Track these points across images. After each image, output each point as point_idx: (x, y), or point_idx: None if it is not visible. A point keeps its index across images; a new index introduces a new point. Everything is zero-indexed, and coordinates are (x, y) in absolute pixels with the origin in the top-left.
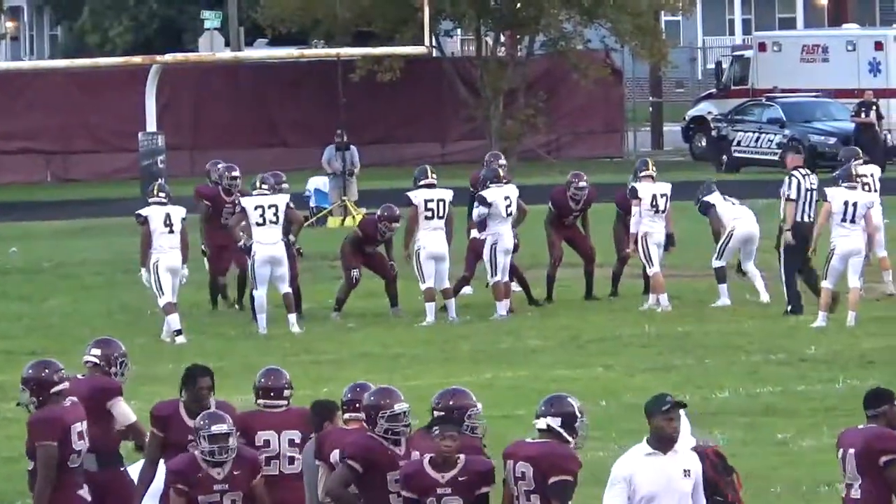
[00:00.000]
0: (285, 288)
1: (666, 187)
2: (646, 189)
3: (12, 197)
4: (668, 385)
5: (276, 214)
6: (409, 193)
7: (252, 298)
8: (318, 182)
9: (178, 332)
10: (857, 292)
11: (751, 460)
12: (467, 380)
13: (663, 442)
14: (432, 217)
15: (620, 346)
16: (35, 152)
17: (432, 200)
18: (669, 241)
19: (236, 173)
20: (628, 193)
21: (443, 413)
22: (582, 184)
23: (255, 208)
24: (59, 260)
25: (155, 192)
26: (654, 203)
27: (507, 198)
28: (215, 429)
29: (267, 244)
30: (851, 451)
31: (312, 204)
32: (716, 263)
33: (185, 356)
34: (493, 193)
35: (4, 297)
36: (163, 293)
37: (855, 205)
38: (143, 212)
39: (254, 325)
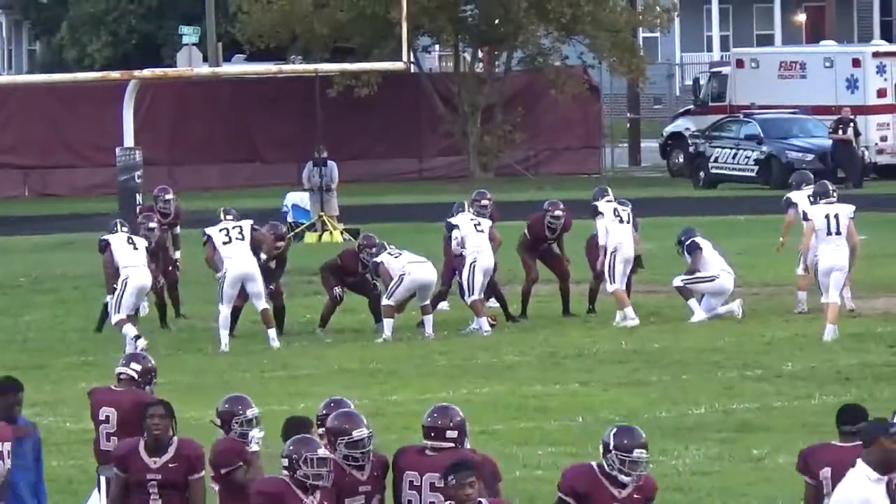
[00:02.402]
0: (262, 304)
1: (626, 205)
2: (607, 206)
3: None
4: (644, 401)
5: (241, 233)
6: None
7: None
8: (295, 197)
9: (138, 337)
10: (836, 307)
11: (726, 476)
12: (444, 395)
13: (888, 465)
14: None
15: (597, 362)
16: (13, 167)
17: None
18: (637, 262)
19: (169, 196)
20: (592, 210)
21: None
22: (558, 212)
23: (220, 231)
24: (36, 274)
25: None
26: (616, 214)
27: (477, 223)
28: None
29: (237, 258)
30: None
31: (290, 219)
32: (677, 283)
33: (163, 371)
34: (459, 218)
35: None
36: (119, 311)
37: (837, 216)
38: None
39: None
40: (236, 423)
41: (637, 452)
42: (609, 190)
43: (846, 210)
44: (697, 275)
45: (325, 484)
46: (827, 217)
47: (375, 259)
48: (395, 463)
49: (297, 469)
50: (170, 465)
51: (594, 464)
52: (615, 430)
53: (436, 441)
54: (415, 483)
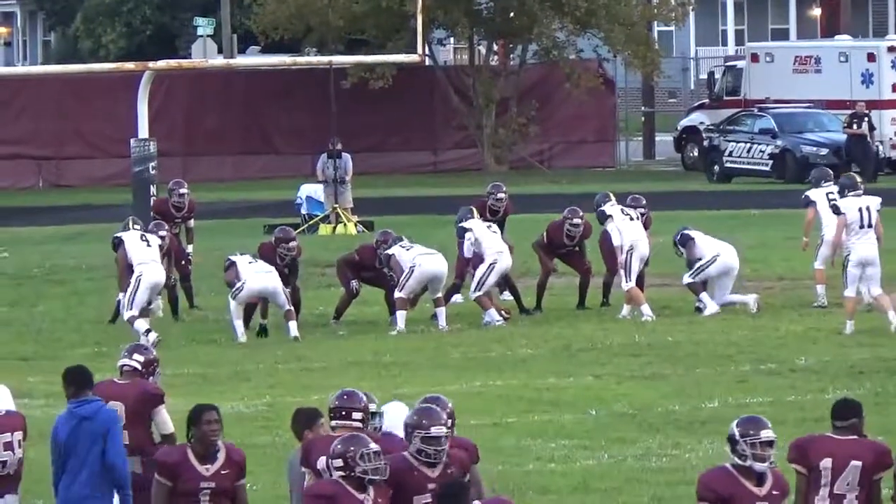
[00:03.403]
0: (286, 307)
1: (639, 201)
2: (613, 208)
3: (4, 202)
4: (657, 394)
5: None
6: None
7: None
8: (309, 189)
9: (149, 331)
10: (886, 297)
11: None
12: (456, 388)
13: None
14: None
15: (611, 356)
16: (27, 158)
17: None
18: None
19: (184, 190)
20: (598, 216)
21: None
22: (577, 220)
23: (242, 255)
24: (50, 265)
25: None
26: (625, 213)
27: (489, 225)
28: (435, 430)
29: (257, 276)
30: (858, 463)
31: (304, 211)
32: (687, 280)
33: (177, 363)
34: (472, 222)
35: None
36: (132, 307)
37: (868, 209)
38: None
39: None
40: (416, 436)
41: (765, 433)
42: (611, 195)
43: (875, 202)
44: (699, 263)
45: (383, 477)
46: (860, 210)
47: (387, 251)
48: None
49: (355, 466)
50: (222, 472)
51: (728, 465)
52: (737, 421)
53: (344, 420)
54: None
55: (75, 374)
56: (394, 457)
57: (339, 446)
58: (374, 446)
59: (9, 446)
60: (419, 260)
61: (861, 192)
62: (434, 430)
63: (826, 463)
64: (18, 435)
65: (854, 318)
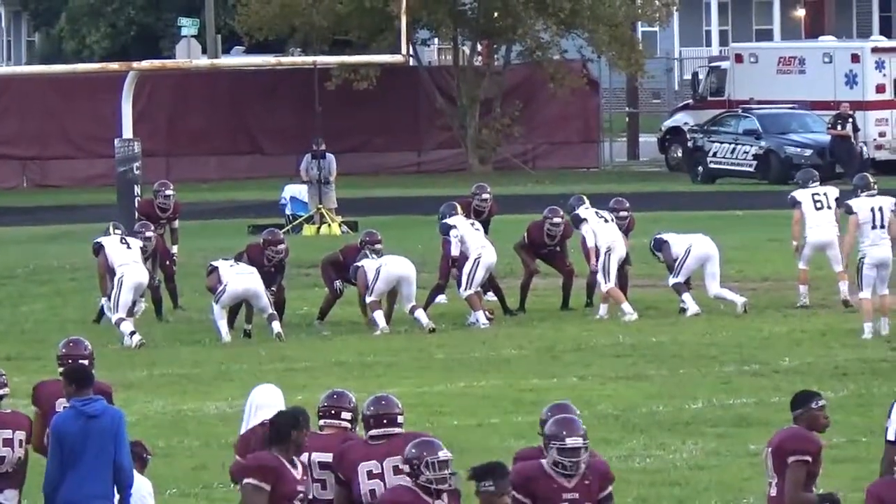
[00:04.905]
0: (268, 311)
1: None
2: (587, 212)
3: None
4: (642, 395)
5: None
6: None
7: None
8: (294, 190)
9: (133, 333)
10: (888, 298)
11: (723, 471)
12: (441, 388)
13: None
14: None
15: (595, 356)
16: (11, 158)
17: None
18: (626, 259)
19: (169, 192)
20: (572, 220)
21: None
22: (557, 220)
23: (225, 260)
24: (34, 266)
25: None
26: (599, 216)
27: (472, 222)
28: (571, 442)
29: (238, 278)
30: (768, 450)
31: (288, 212)
32: (672, 281)
33: (158, 363)
34: (456, 219)
35: None
36: (118, 310)
37: (881, 209)
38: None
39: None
40: (424, 466)
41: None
42: (585, 198)
43: (889, 202)
44: (677, 263)
45: (451, 486)
46: (872, 210)
47: (357, 263)
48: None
49: (420, 474)
50: (304, 478)
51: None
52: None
53: (386, 428)
54: (374, 472)
55: (76, 373)
56: (530, 464)
57: (412, 450)
58: (443, 454)
59: (8, 443)
60: (385, 260)
61: (875, 192)
62: (570, 442)
63: (763, 454)
64: (21, 434)
65: (872, 321)
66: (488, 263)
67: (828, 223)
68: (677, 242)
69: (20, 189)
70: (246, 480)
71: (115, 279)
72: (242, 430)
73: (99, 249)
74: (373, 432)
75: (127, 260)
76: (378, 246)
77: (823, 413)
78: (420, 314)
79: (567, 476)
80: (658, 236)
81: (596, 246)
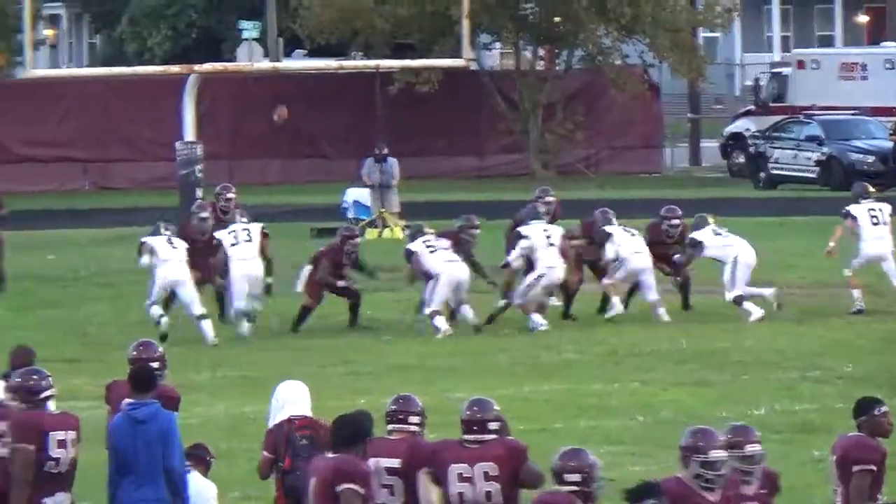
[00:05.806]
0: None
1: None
2: (615, 229)
3: (50, 204)
4: (704, 401)
5: (249, 235)
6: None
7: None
8: (356, 193)
9: (162, 317)
10: None
11: (788, 478)
12: (504, 392)
13: None
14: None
15: (657, 361)
16: (73, 160)
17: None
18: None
19: (231, 195)
20: (599, 235)
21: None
22: (675, 221)
23: (229, 233)
24: (96, 268)
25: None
26: (626, 230)
27: (546, 231)
28: (713, 454)
29: (242, 260)
30: (833, 458)
31: (350, 215)
32: (729, 296)
33: (221, 365)
34: (531, 228)
35: (41, 305)
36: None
37: (881, 210)
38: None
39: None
40: (695, 460)
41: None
42: (611, 213)
43: (887, 207)
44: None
45: (602, 495)
46: (870, 210)
47: (409, 247)
48: (438, 458)
49: (591, 482)
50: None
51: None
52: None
53: (478, 434)
54: (465, 475)
55: (135, 375)
56: (670, 480)
57: (572, 462)
58: (715, 453)
59: (62, 444)
60: (443, 268)
61: (871, 200)
62: (713, 455)
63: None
64: (72, 434)
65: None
66: (548, 283)
67: (884, 237)
68: (713, 245)
69: (81, 191)
70: (346, 486)
71: (156, 271)
72: (269, 425)
73: (148, 249)
74: (467, 437)
75: (167, 257)
76: (475, 231)
77: (887, 419)
78: (466, 310)
79: (710, 490)
80: (693, 236)
81: (616, 258)
